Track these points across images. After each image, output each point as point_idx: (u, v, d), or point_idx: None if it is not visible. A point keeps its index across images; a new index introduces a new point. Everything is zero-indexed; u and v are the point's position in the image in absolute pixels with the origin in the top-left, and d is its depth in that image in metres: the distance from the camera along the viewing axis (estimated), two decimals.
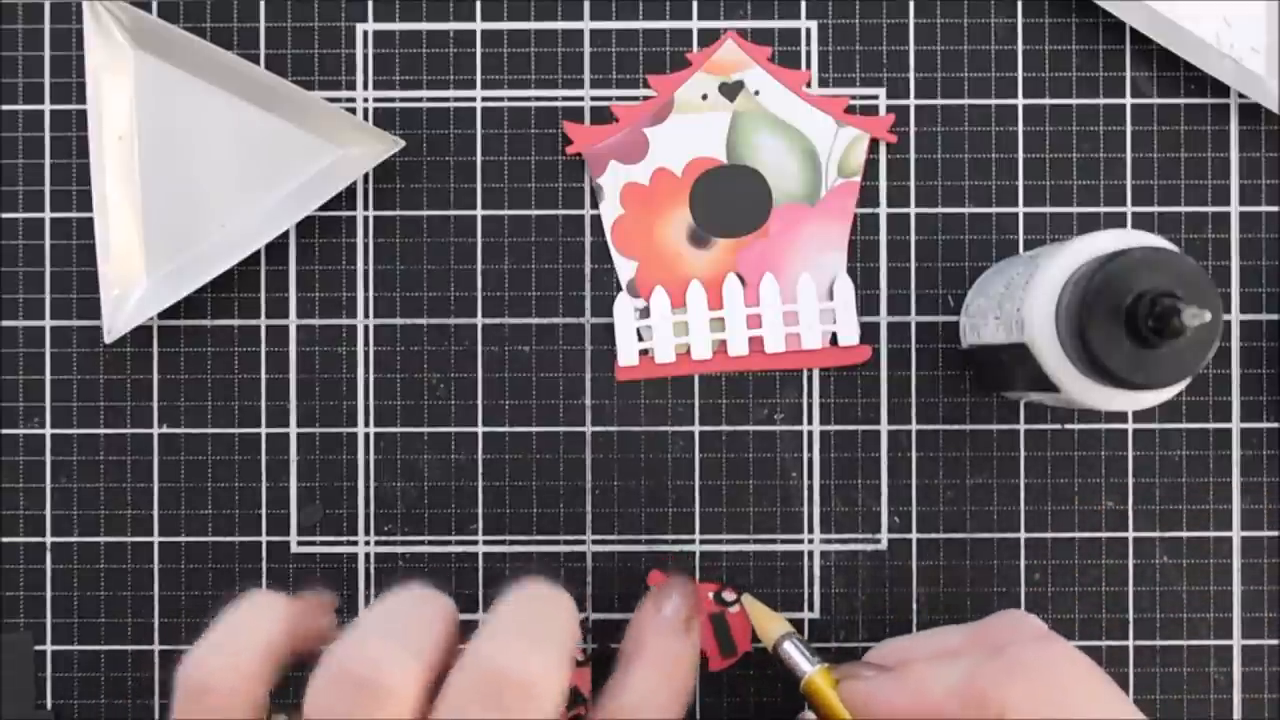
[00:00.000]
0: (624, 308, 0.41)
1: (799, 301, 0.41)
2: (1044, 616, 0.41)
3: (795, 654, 0.37)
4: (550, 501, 0.41)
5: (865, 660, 0.37)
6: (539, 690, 0.28)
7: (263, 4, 0.42)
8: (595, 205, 0.42)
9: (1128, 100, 0.42)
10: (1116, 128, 0.42)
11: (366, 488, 0.41)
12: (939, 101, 0.42)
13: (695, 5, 0.42)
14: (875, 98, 0.42)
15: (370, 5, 0.42)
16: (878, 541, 0.41)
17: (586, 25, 0.42)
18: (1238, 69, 0.40)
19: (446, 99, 0.42)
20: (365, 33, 0.42)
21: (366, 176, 0.41)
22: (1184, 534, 0.41)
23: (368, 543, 0.41)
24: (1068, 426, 0.41)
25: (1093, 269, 0.32)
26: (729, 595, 0.40)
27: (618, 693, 0.34)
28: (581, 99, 0.42)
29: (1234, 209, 0.42)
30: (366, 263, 0.42)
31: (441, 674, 0.29)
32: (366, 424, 0.41)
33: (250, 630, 0.30)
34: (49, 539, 0.41)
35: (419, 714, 0.28)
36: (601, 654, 0.41)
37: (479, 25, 0.42)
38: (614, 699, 0.33)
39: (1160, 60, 0.42)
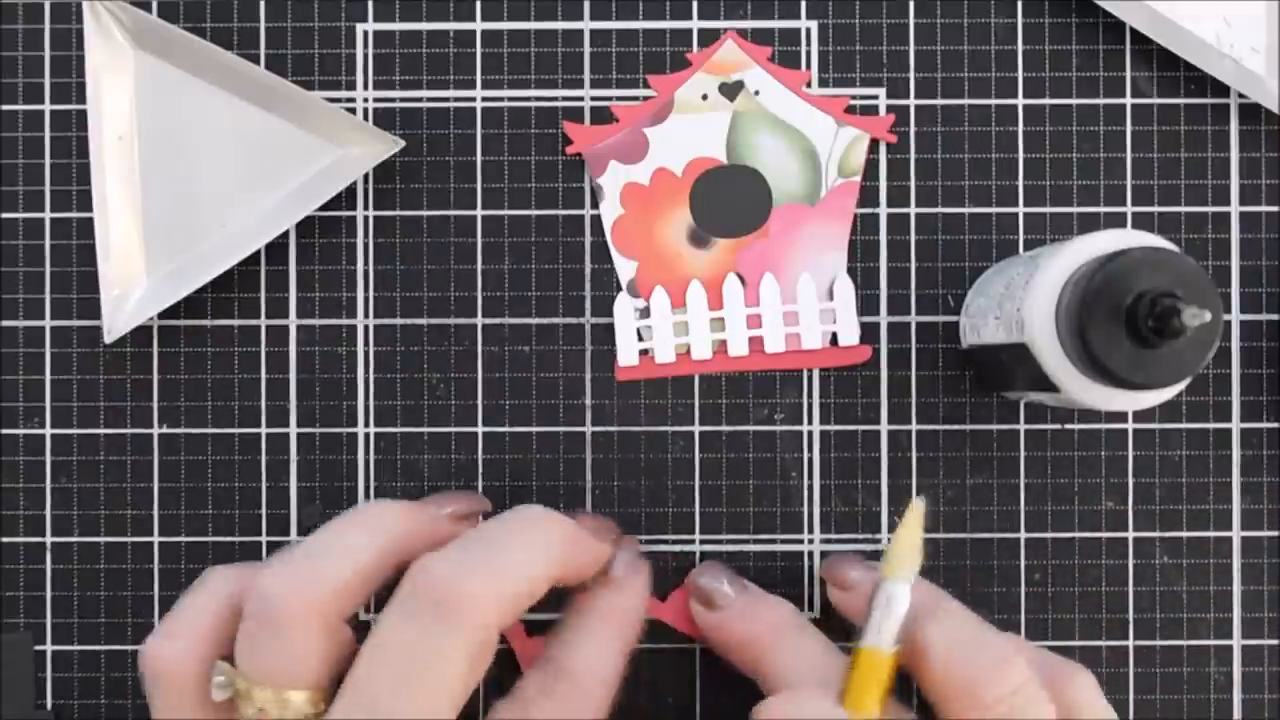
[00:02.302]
0: (624, 308, 0.41)
1: (799, 301, 0.41)
2: (1044, 617, 0.41)
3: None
4: (550, 501, 0.41)
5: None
6: (468, 608, 0.30)
7: (263, 4, 0.42)
8: (595, 205, 0.41)
9: (1128, 100, 0.42)
10: (1116, 128, 0.42)
11: (366, 488, 0.41)
12: (939, 101, 0.42)
13: (695, 5, 0.42)
14: (875, 98, 0.42)
15: (370, 5, 0.42)
16: (878, 541, 0.41)
17: (586, 25, 0.42)
18: (1238, 69, 0.40)
19: (446, 99, 0.42)
20: (365, 33, 0.42)
21: (366, 176, 0.41)
22: (1184, 534, 0.41)
23: None
24: (1068, 426, 0.41)
25: (1093, 269, 0.32)
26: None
27: (567, 638, 0.35)
28: (581, 99, 0.42)
29: (1234, 209, 0.41)
30: (366, 263, 0.41)
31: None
32: (366, 424, 0.41)
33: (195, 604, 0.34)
34: (49, 539, 0.41)
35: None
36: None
37: (479, 25, 0.42)
38: (562, 644, 0.34)
39: (1160, 60, 0.41)
